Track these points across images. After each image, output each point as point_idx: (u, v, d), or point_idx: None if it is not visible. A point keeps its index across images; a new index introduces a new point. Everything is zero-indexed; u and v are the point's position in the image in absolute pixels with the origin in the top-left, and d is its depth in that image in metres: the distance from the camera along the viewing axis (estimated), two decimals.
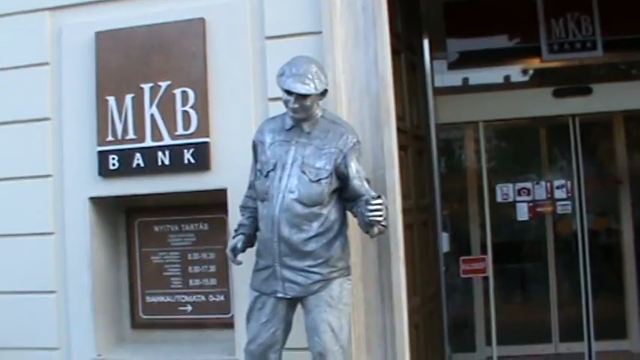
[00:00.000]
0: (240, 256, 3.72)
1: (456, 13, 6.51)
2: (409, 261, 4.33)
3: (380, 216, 3.30)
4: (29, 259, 4.65)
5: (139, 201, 4.66)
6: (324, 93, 3.55)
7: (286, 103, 3.49)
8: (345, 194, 3.56)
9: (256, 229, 3.70)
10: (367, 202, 3.33)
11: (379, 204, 3.30)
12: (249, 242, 3.74)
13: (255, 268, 3.65)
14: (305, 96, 3.44)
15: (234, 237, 3.75)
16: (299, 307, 3.61)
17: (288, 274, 3.50)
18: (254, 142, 3.73)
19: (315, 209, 3.46)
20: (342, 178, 3.52)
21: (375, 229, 3.40)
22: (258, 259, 3.65)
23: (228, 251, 3.72)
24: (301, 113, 3.51)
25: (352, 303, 3.72)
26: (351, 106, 4.15)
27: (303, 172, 3.47)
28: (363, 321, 4.07)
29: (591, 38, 6.47)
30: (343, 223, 3.62)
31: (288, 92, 3.45)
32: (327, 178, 3.47)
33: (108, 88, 4.51)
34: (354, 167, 3.51)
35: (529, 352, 6.95)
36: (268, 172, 3.54)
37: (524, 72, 7.23)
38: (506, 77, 7.19)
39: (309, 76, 3.44)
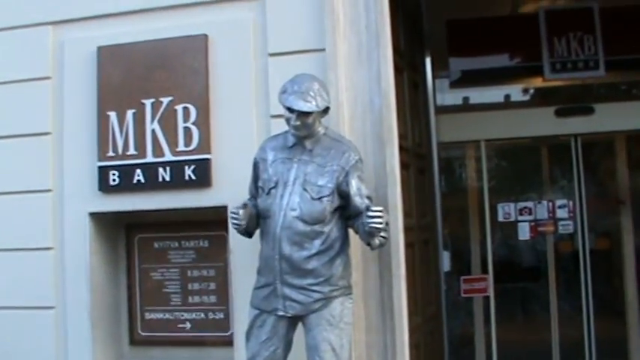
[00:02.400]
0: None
1: (458, 31, 6.52)
2: (410, 280, 4.30)
3: (380, 223, 3.29)
4: (28, 275, 4.62)
5: (139, 217, 4.64)
6: (326, 110, 3.54)
7: (288, 120, 3.49)
8: (346, 212, 3.55)
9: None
10: (367, 209, 3.33)
11: (379, 211, 3.30)
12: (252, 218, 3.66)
13: (256, 285, 3.62)
14: (307, 113, 3.43)
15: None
16: (300, 325, 3.58)
17: (288, 292, 3.47)
18: (255, 159, 3.73)
19: (317, 227, 3.44)
20: (343, 195, 3.50)
21: (376, 240, 3.40)
22: (258, 276, 3.62)
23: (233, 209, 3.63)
24: (303, 131, 3.50)
25: (353, 322, 3.68)
26: (353, 124, 4.13)
27: (305, 190, 3.46)
28: (364, 340, 4.03)
29: (594, 58, 6.48)
30: (345, 241, 3.60)
31: (290, 110, 3.44)
32: (328, 195, 3.46)
33: (109, 103, 4.50)
34: (354, 185, 3.49)
35: None
36: (270, 189, 3.53)
37: (526, 91, 7.24)
38: (508, 96, 7.21)
39: (311, 94, 3.43)
